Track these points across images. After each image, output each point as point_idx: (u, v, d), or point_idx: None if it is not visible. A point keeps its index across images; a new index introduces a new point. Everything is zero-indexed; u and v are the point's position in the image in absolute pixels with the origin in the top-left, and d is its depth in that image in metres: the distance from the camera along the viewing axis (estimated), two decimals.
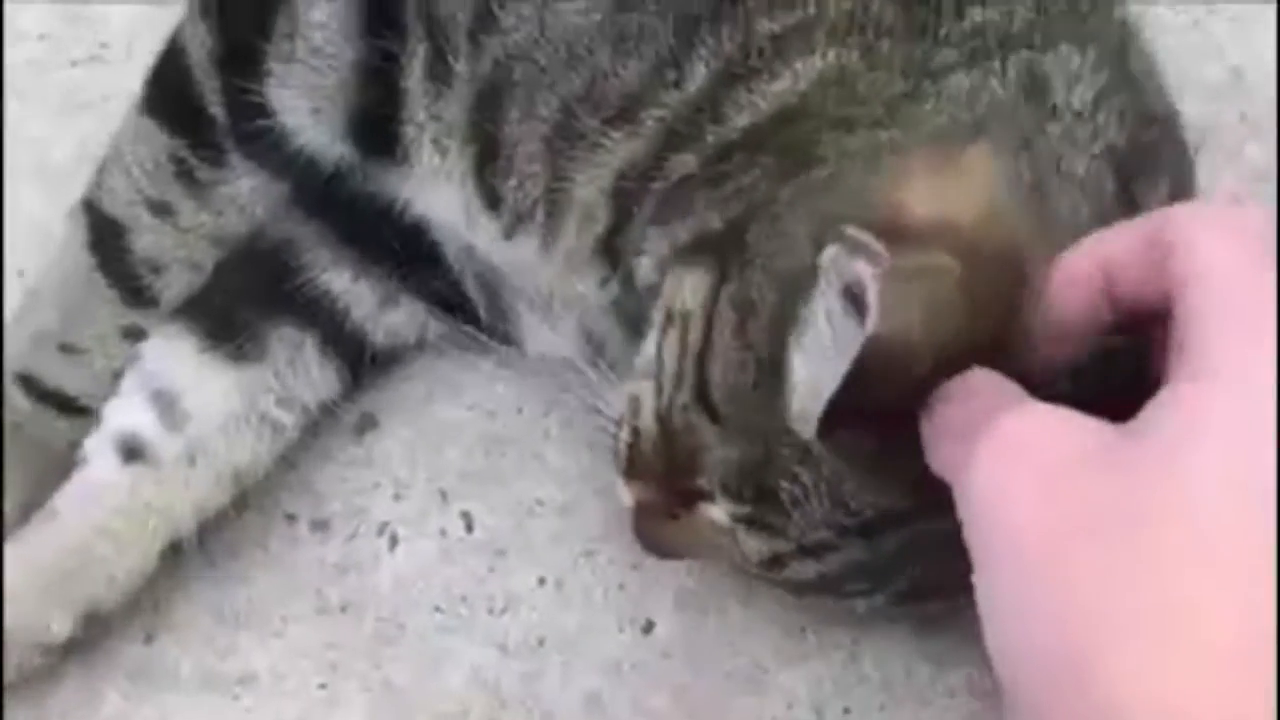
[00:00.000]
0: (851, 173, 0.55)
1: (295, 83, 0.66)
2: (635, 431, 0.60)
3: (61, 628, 0.66)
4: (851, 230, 0.49)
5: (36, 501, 0.69)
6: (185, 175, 0.69)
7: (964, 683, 0.67)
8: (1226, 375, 0.42)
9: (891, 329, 0.45)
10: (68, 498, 0.68)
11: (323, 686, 0.69)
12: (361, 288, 0.72)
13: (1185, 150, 0.62)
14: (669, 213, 0.60)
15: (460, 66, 0.63)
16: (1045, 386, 0.47)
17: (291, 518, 0.73)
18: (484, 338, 0.72)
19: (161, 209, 0.69)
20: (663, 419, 0.58)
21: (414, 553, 0.72)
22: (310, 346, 0.72)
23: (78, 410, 0.70)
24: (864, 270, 0.47)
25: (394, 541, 0.72)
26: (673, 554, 0.63)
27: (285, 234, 0.72)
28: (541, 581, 0.71)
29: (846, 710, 0.68)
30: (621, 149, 0.61)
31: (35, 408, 0.70)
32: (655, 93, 0.60)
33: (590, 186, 0.62)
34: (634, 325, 0.64)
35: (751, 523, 0.56)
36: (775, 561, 0.57)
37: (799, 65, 0.58)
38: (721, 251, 0.57)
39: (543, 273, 0.67)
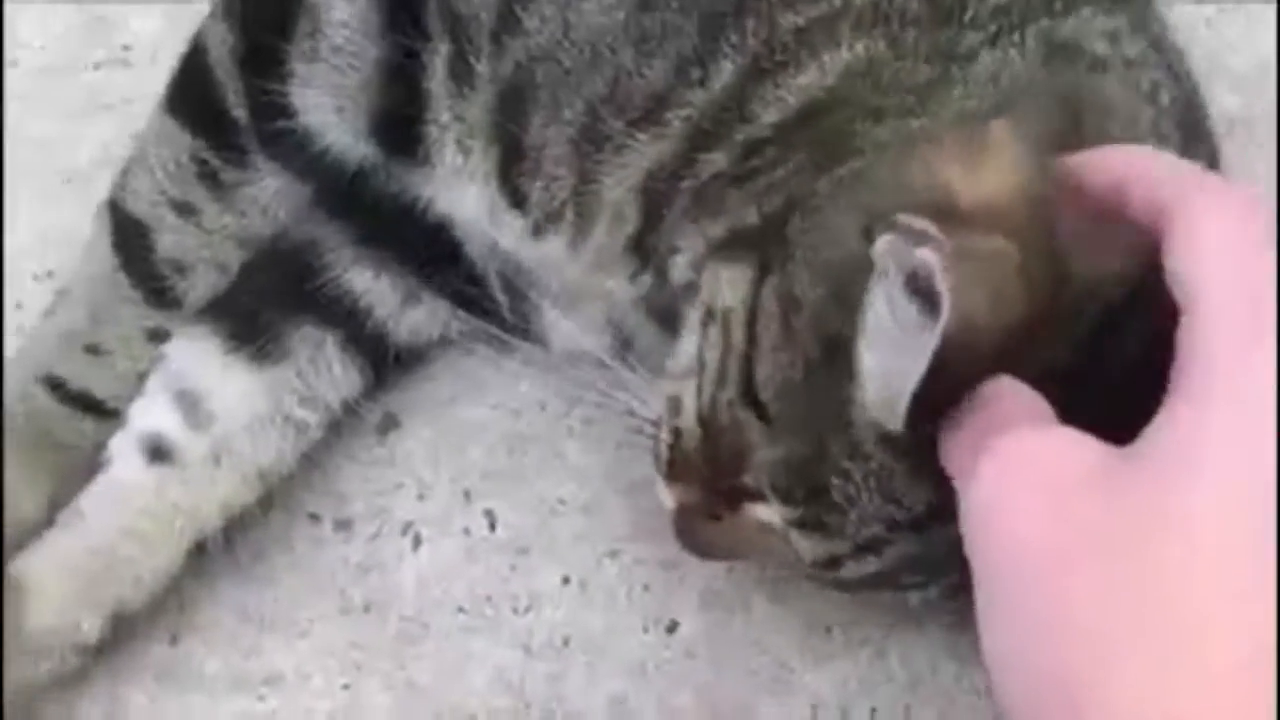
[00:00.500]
0: (887, 162, 0.54)
1: (318, 82, 0.66)
2: (676, 432, 0.60)
3: (91, 628, 0.67)
4: (906, 218, 0.48)
5: (62, 502, 0.69)
6: (208, 176, 0.69)
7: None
8: (1223, 396, 0.41)
9: (963, 314, 0.45)
10: (94, 499, 0.69)
11: (346, 687, 0.69)
12: (383, 286, 0.72)
13: (1212, 127, 0.62)
14: (701, 210, 0.60)
15: (482, 67, 0.63)
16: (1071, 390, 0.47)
17: (315, 518, 0.73)
18: (506, 336, 0.72)
19: (185, 209, 0.70)
20: (706, 419, 0.58)
21: (437, 552, 0.72)
22: (332, 345, 0.72)
23: (103, 412, 0.70)
24: (929, 257, 0.46)
25: (417, 541, 0.72)
26: (716, 555, 0.63)
27: (307, 234, 0.72)
28: (565, 581, 0.71)
29: (873, 710, 0.68)
30: (649, 150, 0.60)
31: (60, 409, 0.70)
32: (681, 92, 0.60)
33: (619, 188, 0.62)
34: (664, 320, 0.64)
35: (805, 524, 0.56)
36: (832, 561, 0.57)
37: (825, 58, 0.58)
38: (760, 247, 0.57)
39: (570, 270, 0.67)
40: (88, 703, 0.68)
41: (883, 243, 0.49)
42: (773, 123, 0.58)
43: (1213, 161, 0.59)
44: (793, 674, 0.69)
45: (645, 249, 0.63)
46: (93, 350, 0.70)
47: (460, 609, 0.71)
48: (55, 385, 0.70)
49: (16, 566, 0.66)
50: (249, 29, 0.68)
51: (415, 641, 0.70)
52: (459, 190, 0.67)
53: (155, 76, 0.73)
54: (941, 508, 0.51)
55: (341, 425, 0.73)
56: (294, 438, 0.71)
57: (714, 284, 0.58)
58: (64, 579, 0.66)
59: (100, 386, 0.71)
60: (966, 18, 0.57)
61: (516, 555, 0.72)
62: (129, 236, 0.70)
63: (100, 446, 0.70)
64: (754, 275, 0.56)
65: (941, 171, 0.51)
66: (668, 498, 0.61)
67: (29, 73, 0.82)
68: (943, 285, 0.45)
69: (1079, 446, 0.44)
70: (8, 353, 0.72)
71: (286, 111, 0.67)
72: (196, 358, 0.70)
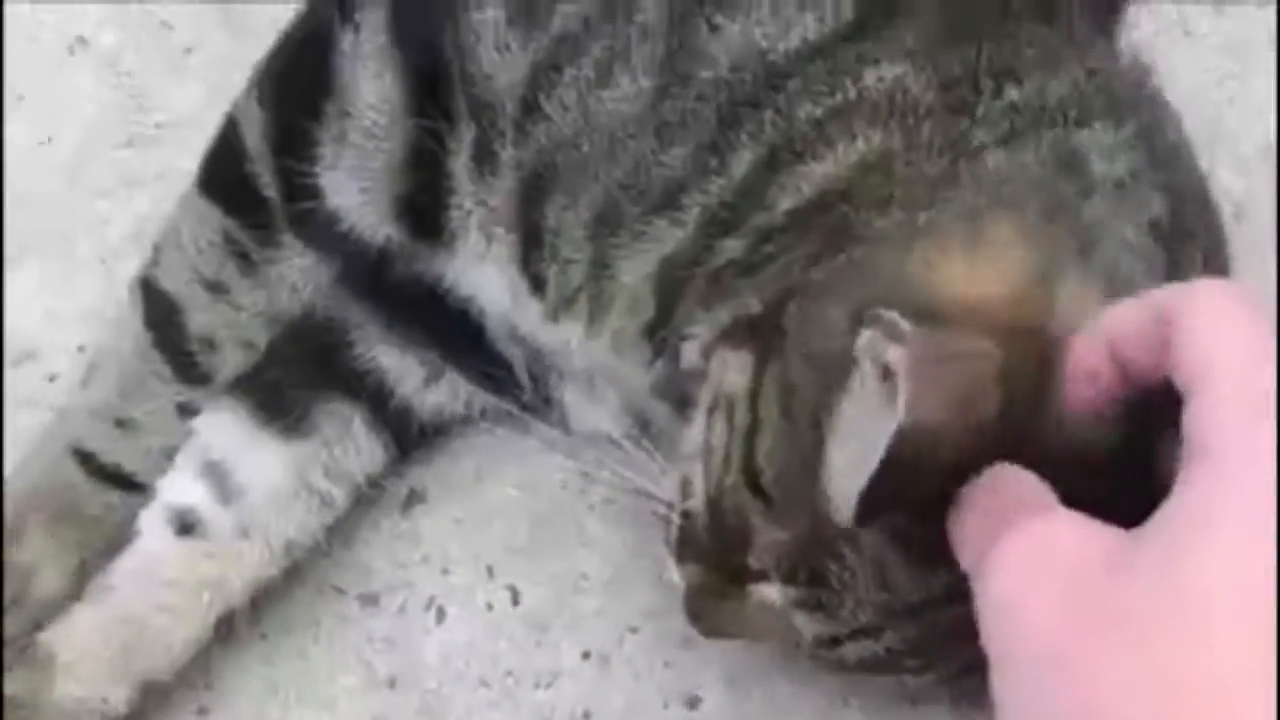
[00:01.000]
0: (888, 254, 0.55)
1: (345, 165, 0.67)
2: (686, 514, 0.60)
3: (119, 699, 0.67)
4: (885, 313, 0.49)
5: (89, 575, 0.69)
6: (239, 255, 0.70)
7: None
8: (1233, 475, 0.42)
9: (922, 415, 0.45)
10: (122, 571, 0.69)
11: None
12: (408, 364, 0.73)
13: (1219, 223, 0.62)
14: (713, 297, 0.61)
15: (505, 153, 0.64)
16: (1071, 472, 0.48)
17: (340, 592, 0.73)
18: (528, 416, 0.73)
19: (216, 287, 0.71)
20: (713, 502, 0.58)
21: (461, 627, 0.72)
22: (358, 421, 0.73)
23: (132, 486, 0.71)
24: (896, 355, 0.47)
25: (441, 615, 0.73)
26: (725, 634, 0.63)
27: (333, 312, 0.73)
28: (586, 656, 0.72)
29: None
30: (666, 237, 0.61)
31: (90, 482, 0.71)
32: (699, 180, 0.60)
33: (636, 274, 0.62)
34: (680, 404, 0.64)
35: (805, 605, 0.56)
36: (832, 642, 0.57)
37: (840, 149, 0.58)
38: (763, 334, 0.58)
39: (587, 354, 0.68)
40: None
41: (863, 338, 0.50)
42: (787, 210, 0.59)
43: (1214, 263, 0.59)
44: None
45: (661, 335, 0.64)
46: (123, 425, 0.71)
47: (483, 683, 0.71)
48: (85, 459, 0.71)
49: (45, 638, 0.67)
50: (281, 110, 0.69)
51: (438, 715, 0.71)
52: (481, 273, 0.68)
53: (188, 154, 0.74)
54: (940, 596, 0.52)
55: (367, 500, 0.74)
56: (320, 511, 0.72)
57: (720, 370, 0.59)
58: (92, 650, 0.67)
59: (130, 460, 0.71)
60: (979, 113, 0.58)
61: (539, 630, 0.72)
62: (160, 313, 0.71)
63: (128, 520, 0.70)
64: (756, 362, 0.57)
65: (939, 269, 0.52)
66: (678, 577, 0.62)
67: (64, 148, 0.83)
68: (903, 386, 0.46)
69: (1090, 532, 0.44)
70: (39, 426, 0.73)
71: (314, 193, 0.68)
72: (224, 431, 0.71)
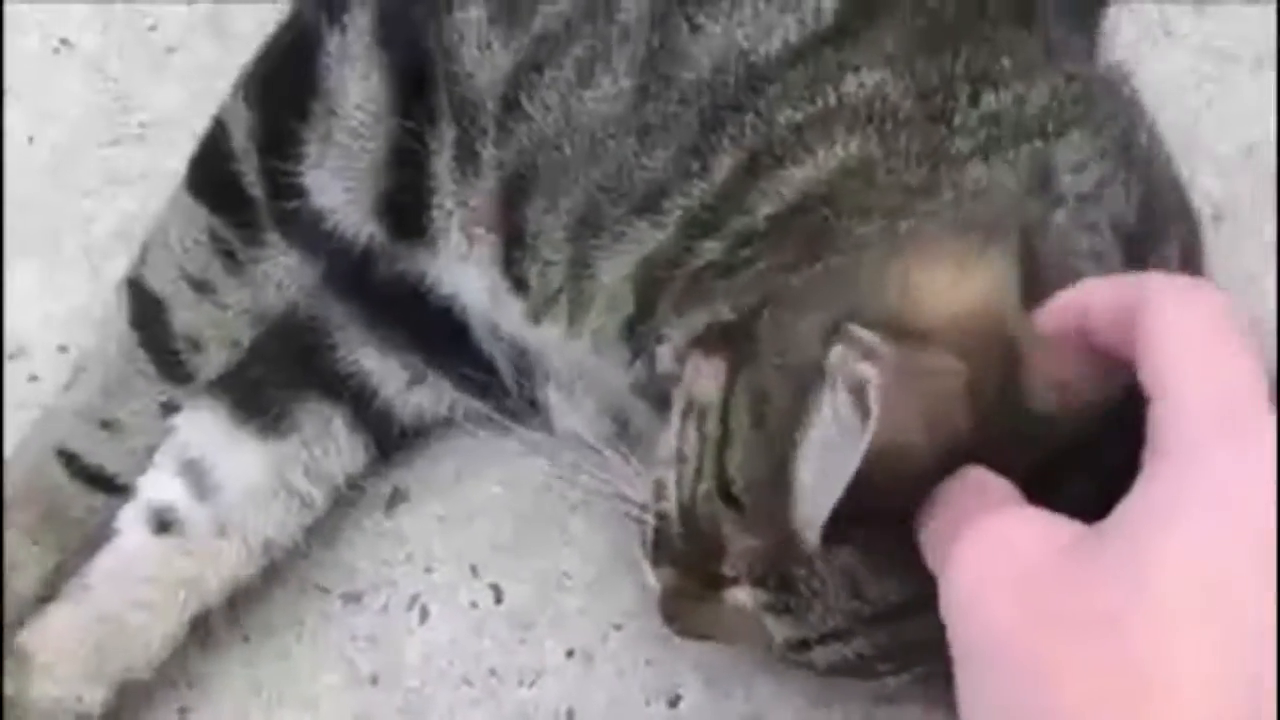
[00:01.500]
0: (863, 264, 0.55)
1: (330, 164, 0.67)
2: (661, 517, 0.61)
3: (95, 699, 0.67)
4: (856, 329, 0.49)
5: (66, 575, 0.69)
6: (224, 253, 0.70)
7: None
8: (1193, 473, 0.42)
9: (892, 432, 0.46)
10: (99, 570, 0.69)
11: None
12: (390, 366, 0.73)
13: (1195, 224, 0.63)
14: (689, 301, 0.61)
15: (487, 152, 0.64)
16: (1042, 475, 0.48)
17: (323, 590, 0.73)
18: (508, 422, 0.73)
19: (201, 286, 0.71)
20: (686, 508, 0.59)
21: (444, 625, 0.73)
22: (339, 422, 0.73)
23: (114, 487, 0.71)
24: (867, 372, 0.47)
25: (424, 614, 0.73)
26: (700, 636, 0.64)
27: (316, 311, 0.73)
28: (570, 654, 0.72)
29: None
30: (647, 238, 0.61)
31: (73, 484, 0.71)
32: (680, 182, 0.60)
33: (615, 274, 0.63)
34: (660, 404, 0.64)
35: (775, 609, 0.57)
36: (802, 645, 0.58)
37: (820, 154, 0.58)
38: (736, 342, 0.58)
39: (568, 353, 0.68)
40: None
41: (834, 353, 0.50)
42: (767, 215, 0.59)
43: (1189, 262, 0.60)
44: None
45: (641, 335, 0.64)
46: (108, 426, 0.71)
47: (466, 681, 0.71)
48: (69, 460, 0.71)
49: (21, 638, 0.67)
50: (267, 110, 0.69)
51: (421, 714, 0.71)
52: (462, 273, 0.68)
53: (172, 154, 0.75)
54: (910, 603, 0.53)
55: (350, 499, 0.74)
56: (299, 511, 0.72)
57: (693, 377, 0.59)
58: (68, 650, 0.67)
59: (113, 462, 0.71)
60: (956, 122, 0.58)
61: (522, 629, 0.72)
62: (146, 313, 0.71)
63: (108, 522, 0.70)
64: (728, 370, 0.57)
65: (914, 283, 0.52)
66: (653, 580, 0.62)
67: (48, 147, 0.83)
68: (874, 402, 0.46)
69: (1049, 527, 0.44)
70: (24, 425, 0.73)
71: (300, 192, 0.68)
72: (204, 429, 0.71)
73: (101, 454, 0.71)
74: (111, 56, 0.85)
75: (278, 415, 0.72)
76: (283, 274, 0.71)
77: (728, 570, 0.58)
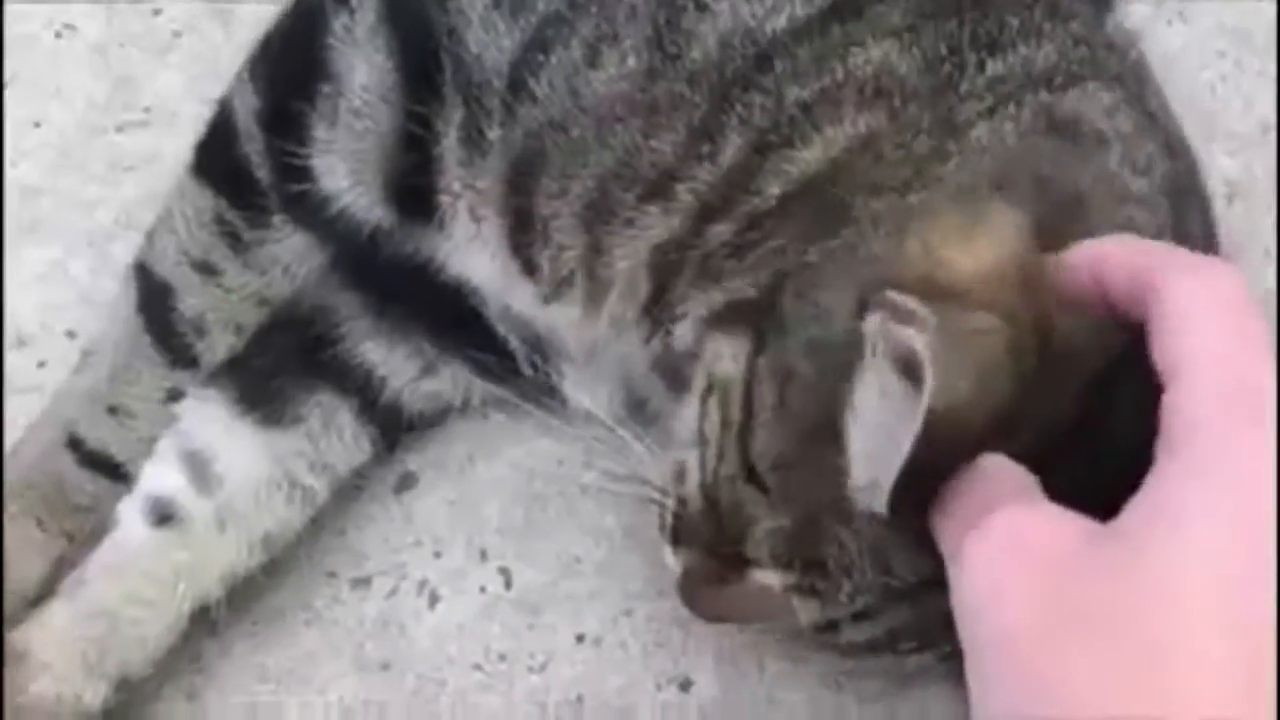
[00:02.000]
0: (881, 236, 0.55)
1: (337, 147, 0.67)
2: (681, 499, 0.60)
3: (94, 696, 0.66)
4: (894, 295, 0.48)
5: (70, 566, 0.69)
6: (229, 235, 0.70)
7: None
8: (1207, 467, 0.42)
9: (948, 393, 0.45)
10: (97, 565, 0.68)
11: None
12: (399, 358, 0.73)
13: (1206, 191, 0.62)
14: (705, 280, 0.60)
15: (494, 134, 0.64)
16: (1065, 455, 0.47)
17: (332, 576, 0.73)
18: (524, 403, 0.72)
19: (207, 269, 0.70)
20: (708, 490, 0.58)
21: (453, 610, 0.72)
22: (345, 414, 0.72)
23: (119, 475, 0.71)
24: (914, 337, 0.46)
25: (434, 599, 0.73)
26: (722, 619, 0.63)
27: (324, 301, 0.72)
28: (580, 639, 0.72)
29: None
30: (659, 223, 0.61)
31: (78, 470, 0.71)
32: (689, 166, 0.60)
33: (629, 259, 0.62)
34: (677, 383, 0.64)
35: (802, 590, 0.56)
36: (829, 626, 0.57)
37: (829, 131, 0.58)
38: (756, 319, 0.57)
39: (584, 334, 0.67)
40: None
41: (872, 321, 0.49)
42: (778, 194, 0.59)
43: (1207, 227, 0.59)
44: None
45: (658, 314, 0.63)
46: (114, 411, 0.71)
47: (476, 666, 0.71)
48: (75, 445, 0.71)
49: (19, 635, 0.67)
50: (274, 92, 0.69)
51: (431, 699, 0.70)
52: (472, 255, 0.68)
53: (177, 138, 0.75)
54: (937, 578, 0.52)
55: (359, 484, 0.74)
56: (300, 504, 0.71)
57: (715, 355, 0.59)
58: (66, 646, 0.66)
59: (119, 448, 0.71)
60: (963, 89, 0.58)
61: (532, 613, 0.72)
62: (153, 297, 0.71)
63: (110, 511, 0.70)
64: (750, 348, 0.57)
65: (936, 247, 0.52)
66: (673, 563, 0.62)
67: (54, 133, 0.83)
68: (927, 367, 0.45)
69: (1063, 522, 0.44)
70: (32, 411, 0.73)
71: (307, 175, 0.68)
72: (206, 420, 0.71)
73: (107, 440, 0.71)
74: (116, 42, 0.85)
75: (282, 407, 0.71)
76: (289, 257, 0.71)
77: (752, 552, 0.58)
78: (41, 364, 0.77)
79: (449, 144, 0.65)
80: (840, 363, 0.51)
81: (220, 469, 0.70)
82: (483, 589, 0.73)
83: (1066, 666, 0.41)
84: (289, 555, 0.72)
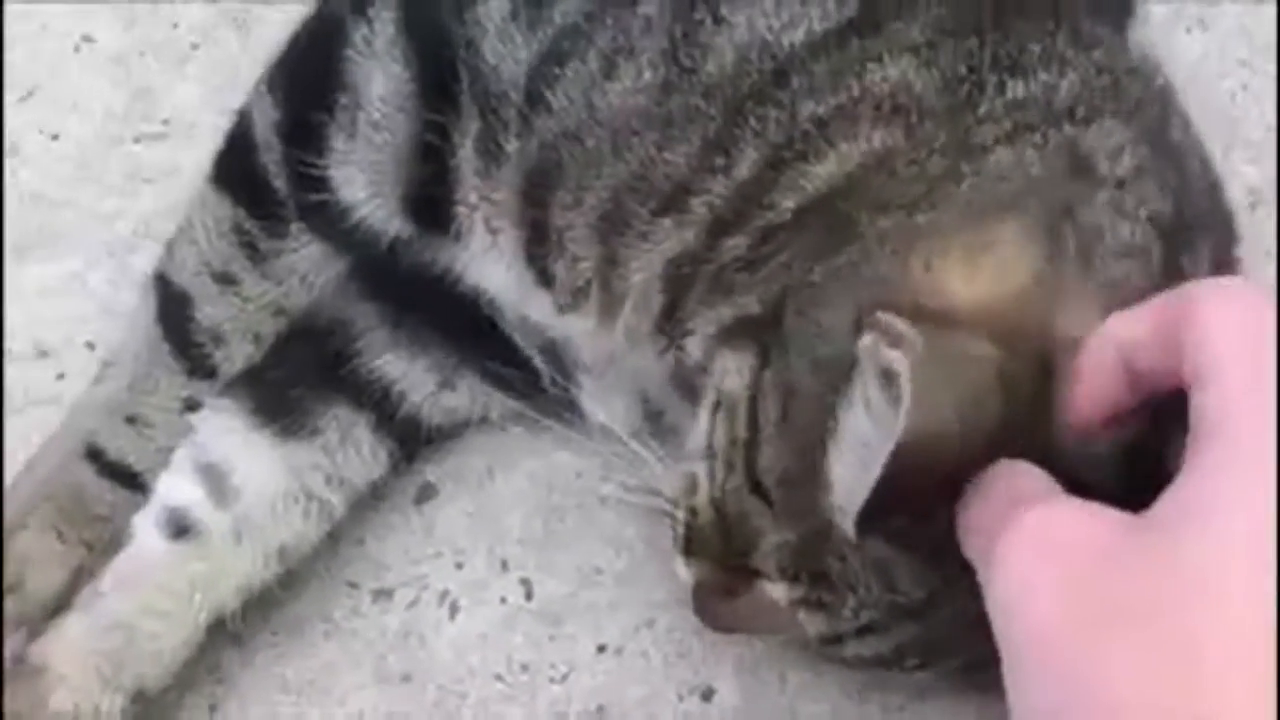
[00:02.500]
0: (888, 256, 0.54)
1: (355, 157, 0.67)
2: (692, 511, 0.60)
3: (112, 708, 0.66)
4: (885, 317, 0.49)
5: (88, 577, 0.69)
6: (248, 245, 0.70)
7: None
8: (1240, 461, 0.42)
9: (925, 419, 0.45)
10: (113, 577, 0.69)
11: None
12: (418, 371, 0.73)
13: (1229, 216, 0.62)
14: (716, 294, 0.60)
15: (510, 145, 0.63)
16: (1076, 469, 0.47)
17: (353, 587, 0.73)
18: (541, 417, 0.72)
19: (225, 279, 0.71)
20: (717, 503, 0.58)
21: (474, 621, 0.72)
22: (363, 427, 0.72)
23: (137, 485, 0.71)
24: (897, 359, 0.47)
25: (454, 610, 0.73)
26: (733, 630, 0.64)
27: (342, 313, 0.73)
28: (601, 649, 0.72)
29: None
30: (673, 236, 0.61)
31: (98, 480, 0.71)
32: (704, 179, 0.60)
33: (644, 271, 0.62)
34: (693, 395, 0.64)
35: (809, 604, 0.56)
36: (835, 639, 0.58)
37: (844, 147, 0.58)
38: (761, 335, 0.57)
39: (600, 345, 0.67)
40: None
41: (864, 341, 0.50)
42: (792, 208, 0.58)
43: (1219, 252, 0.59)
44: None
45: (671, 328, 0.63)
46: (132, 421, 0.71)
47: (497, 677, 0.71)
48: (95, 455, 0.71)
49: (36, 650, 0.67)
50: (293, 103, 0.69)
51: (453, 710, 0.70)
52: (488, 266, 0.68)
53: (195, 150, 0.75)
54: (943, 595, 0.52)
55: (379, 495, 0.74)
56: (317, 516, 0.71)
57: (723, 370, 0.59)
58: (83, 659, 0.66)
59: (138, 458, 0.71)
60: (981, 111, 0.57)
61: (553, 624, 0.72)
62: (172, 307, 0.71)
63: (128, 522, 0.70)
64: (756, 363, 0.57)
65: (938, 270, 0.52)
66: (686, 574, 0.62)
67: (71, 144, 0.83)
68: (905, 388, 0.45)
69: (1095, 518, 0.44)
70: (51, 423, 0.73)
71: (325, 185, 0.68)
72: (224, 432, 0.71)
73: (126, 449, 0.71)
74: (134, 54, 0.85)
75: (300, 420, 0.71)
76: (307, 267, 0.71)
77: (759, 565, 0.58)
78: (61, 376, 0.77)
79: (465, 155, 0.65)
80: (839, 380, 0.51)
81: (237, 481, 0.70)
82: (504, 600, 0.73)
83: (1103, 660, 0.41)
84: (309, 566, 0.72)
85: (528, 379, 0.73)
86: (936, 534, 0.49)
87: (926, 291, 0.51)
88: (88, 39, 0.85)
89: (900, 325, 0.48)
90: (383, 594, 0.73)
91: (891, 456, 0.46)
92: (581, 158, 0.62)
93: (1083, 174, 0.56)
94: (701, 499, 0.60)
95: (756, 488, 0.56)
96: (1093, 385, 0.49)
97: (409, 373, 0.73)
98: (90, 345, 0.78)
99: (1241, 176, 0.73)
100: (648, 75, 0.61)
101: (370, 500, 0.73)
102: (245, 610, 0.70)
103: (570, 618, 0.72)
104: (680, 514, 0.61)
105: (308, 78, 0.69)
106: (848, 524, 0.50)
